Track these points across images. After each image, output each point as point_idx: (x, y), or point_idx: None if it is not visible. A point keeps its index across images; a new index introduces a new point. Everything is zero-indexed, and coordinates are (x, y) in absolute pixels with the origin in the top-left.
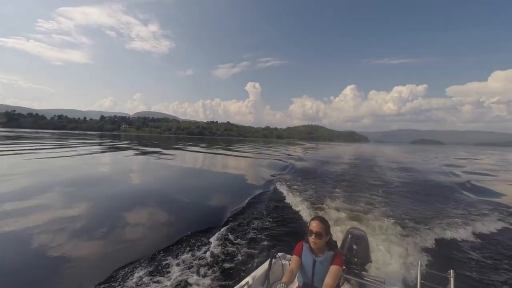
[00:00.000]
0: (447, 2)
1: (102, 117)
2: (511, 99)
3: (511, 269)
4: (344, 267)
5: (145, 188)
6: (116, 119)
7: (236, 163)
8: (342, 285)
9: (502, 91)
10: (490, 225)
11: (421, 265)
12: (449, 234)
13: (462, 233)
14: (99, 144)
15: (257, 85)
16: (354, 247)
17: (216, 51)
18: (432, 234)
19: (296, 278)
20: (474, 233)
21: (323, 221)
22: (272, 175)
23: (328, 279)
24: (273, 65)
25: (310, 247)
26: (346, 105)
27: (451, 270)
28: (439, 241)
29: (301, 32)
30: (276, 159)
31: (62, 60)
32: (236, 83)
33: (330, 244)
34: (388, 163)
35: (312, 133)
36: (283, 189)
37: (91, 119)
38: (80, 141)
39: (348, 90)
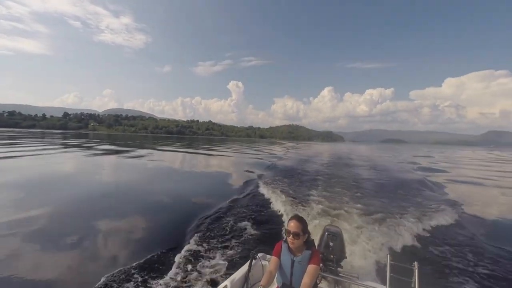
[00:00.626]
0: (407, 11)
1: (66, 114)
2: (459, 103)
3: (467, 257)
4: (321, 264)
5: (118, 190)
6: (83, 116)
7: (218, 163)
8: (319, 283)
9: (453, 96)
10: (447, 217)
11: (390, 259)
12: (414, 227)
13: (425, 225)
14: (65, 145)
15: (239, 84)
16: (331, 244)
17: (197, 48)
18: (400, 228)
19: (275, 279)
20: (434, 225)
21: (300, 220)
22: (254, 174)
23: (306, 279)
24: (256, 65)
25: (289, 246)
26: (324, 106)
27: (415, 262)
28: (406, 234)
29: (282, 34)
30: (259, 158)
31: (11, 49)
32: (217, 82)
33: (308, 243)
34: (362, 161)
35: (293, 133)
36: (264, 188)
37: (51, 116)
38: (40, 141)
39: (326, 92)
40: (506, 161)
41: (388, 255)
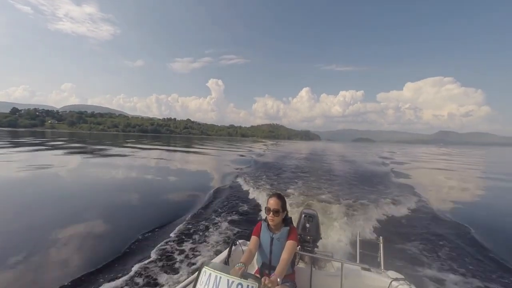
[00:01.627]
0: (376, 20)
1: (15, 110)
2: (417, 106)
3: (423, 232)
4: (298, 246)
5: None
6: (37, 113)
7: (200, 160)
8: (297, 264)
9: (412, 99)
10: (407, 202)
11: (359, 236)
12: (380, 210)
13: (389, 209)
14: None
15: (220, 82)
16: (307, 225)
17: (173, 43)
18: (368, 211)
19: (255, 260)
20: (397, 209)
21: (280, 197)
22: (235, 170)
23: (284, 254)
24: (237, 63)
25: (268, 225)
26: (302, 106)
27: (380, 237)
28: (374, 216)
29: (263, 34)
30: (241, 155)
31: None
32: (196, 79)
33: (286, 221)
34: (336, 156)
35: (273, 132)
36: (244, 181)
37: None
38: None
39: (304, 92)
40: (454, 155)
41: (358, 233)
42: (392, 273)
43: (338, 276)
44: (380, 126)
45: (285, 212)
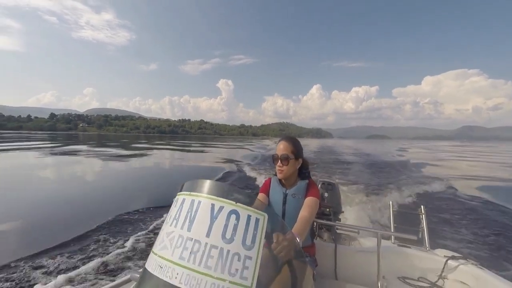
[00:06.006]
0: (390, 15)
1: (53, 115)
2: (438, 100)
3: (449, 211)
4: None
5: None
6: (71, 117)
7: (215, 155)
8: (315, 238)
9: (431, 93)
10: (433, 187)
11: (392, 207)
12: (402, 194)
13: (410, 192)
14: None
15: (229, 82)
16: (326, 194)
17: (184, 46)
18: (388, 195)
19: None
20: (420, 192)
21: (291, 141)
22: (245, 163)
23: (303, 212)
24: (246, 63)
25: (280, 179)
26: (313, 104)
27: (422, 206)
28: (406, 192)
29: (271, 33)
30: (251, 151)
31: None
32: (206, 80)
33: (303, 173)
34: (350, 150)
35: (284, 130)
36: (250, 172)
37: (36, 117)
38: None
39: (315, 89)
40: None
41: (391, 203)
42: (444, 252)
43: (371, 253)
44: (397, 122)
45: (300, 161)
